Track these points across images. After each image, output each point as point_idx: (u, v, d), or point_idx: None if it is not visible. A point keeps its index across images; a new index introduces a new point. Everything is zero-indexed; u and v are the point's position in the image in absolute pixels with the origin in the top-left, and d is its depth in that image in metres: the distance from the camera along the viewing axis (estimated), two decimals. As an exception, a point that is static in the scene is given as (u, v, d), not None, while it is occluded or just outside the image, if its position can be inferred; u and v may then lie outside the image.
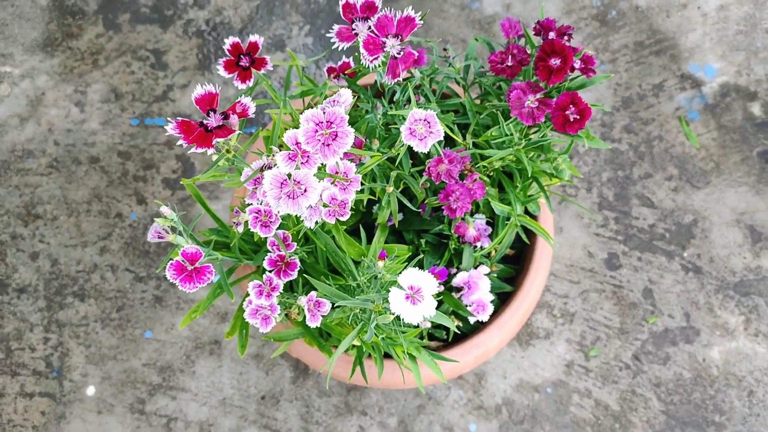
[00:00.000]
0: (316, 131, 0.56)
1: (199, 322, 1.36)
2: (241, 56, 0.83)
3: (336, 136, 0.56)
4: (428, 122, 0.61)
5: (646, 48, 1.55)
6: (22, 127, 1.48)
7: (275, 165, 0.57)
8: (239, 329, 0.84)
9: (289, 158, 0.57)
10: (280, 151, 0.58)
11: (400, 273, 0.67)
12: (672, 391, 1.32)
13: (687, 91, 1.52)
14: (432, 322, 0.89)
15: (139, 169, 1.45)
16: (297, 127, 0.62)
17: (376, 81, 0.87)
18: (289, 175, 0.57)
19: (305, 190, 0.57)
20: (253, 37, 0.83)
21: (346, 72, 0.89)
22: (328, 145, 0.56)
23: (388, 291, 0.67)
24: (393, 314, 0.66)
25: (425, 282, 0.66)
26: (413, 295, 0.65)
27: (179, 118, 0.63)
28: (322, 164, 0.57)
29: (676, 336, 1.35)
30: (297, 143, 0.57)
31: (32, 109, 1.49)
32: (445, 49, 0.90)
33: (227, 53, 0.84)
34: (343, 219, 0.64)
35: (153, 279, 1.38)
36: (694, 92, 1.52)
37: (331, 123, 0.56)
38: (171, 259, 0.69)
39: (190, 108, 1.50)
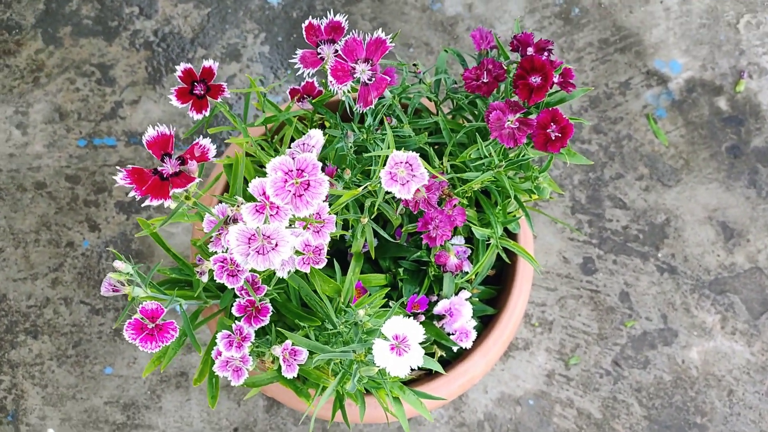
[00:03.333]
0: (286, 181, 0.50)
1: (163, 354, 1.28)
2: (195, 83, 0.76)
3: (308, 185, 0.50)
4: (410, 165, 0.56)
5: (611, 45, 1.52)
6: (-42, 153, 1.38)
7: (242, 218, 0.51)
8: (209, 377, 0.78)
9: (257, 211, 0.51)
10: (246, 202, 0.52)
11: (384, 319, 0.62)
12: (653, 395, 1.31)
13: (653, 88, 1.50)
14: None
15: (89, 194, 1.36)
16: (259, 159, 0.56)
17: (343, 101, 0.82)
18: (258, 229, 0.51)
19: (276, 245, 0.51)
20: (207, 62, 0.76)
21: (310, 94, 0.83)
22: (299, 195, 0.50)
23: (371, 339, 0.62)
24: (377, 366, 0.61)
25: (411, 330, 0.61)
26: (398, 345, 0.60)
27: (130, 166, 0.56)
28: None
29: (655, 338, 1.34)
30: (264, 194, 0.51)
31: (-31, 133, 1.39)
32: (414, 65, 0.85)
33: (179, 80, 0.77)
34: (319, 266, 0.59)
35: (110, 311, 1.30)
36: (660, 89, 1.50)
37: (302, 171, 0.50)
38: (129, 315, 0.63)
39: (142, 126, 1.41)
